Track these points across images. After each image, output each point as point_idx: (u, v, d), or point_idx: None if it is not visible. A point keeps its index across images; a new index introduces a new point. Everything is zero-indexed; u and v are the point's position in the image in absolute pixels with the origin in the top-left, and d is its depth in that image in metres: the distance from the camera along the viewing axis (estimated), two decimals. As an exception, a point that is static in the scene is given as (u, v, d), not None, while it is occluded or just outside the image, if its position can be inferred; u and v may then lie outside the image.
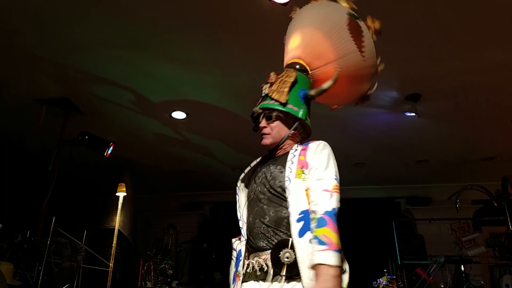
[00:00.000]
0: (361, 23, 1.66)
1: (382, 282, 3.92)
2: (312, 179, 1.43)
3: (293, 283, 1.34)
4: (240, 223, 1.61)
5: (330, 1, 1.68)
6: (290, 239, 1.36)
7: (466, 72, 3.34)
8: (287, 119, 1.60)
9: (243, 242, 1.56)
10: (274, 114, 1.59)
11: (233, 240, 1.66)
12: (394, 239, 4.81)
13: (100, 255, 4.32)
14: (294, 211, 1.39)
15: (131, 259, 5.44)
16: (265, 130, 1.60)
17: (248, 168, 1.72)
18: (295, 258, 1.32)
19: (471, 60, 3.20)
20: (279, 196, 1.49)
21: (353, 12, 1.66)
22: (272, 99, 1.58)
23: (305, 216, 1.37)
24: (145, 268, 4.82)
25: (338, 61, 1.66)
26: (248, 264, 1.49)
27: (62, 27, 2.93)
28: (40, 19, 2.86)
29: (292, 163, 1.50)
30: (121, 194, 4.38)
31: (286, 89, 1.57)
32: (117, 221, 4.27)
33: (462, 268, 4.45)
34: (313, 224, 1.33)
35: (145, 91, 3.77)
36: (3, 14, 2.82)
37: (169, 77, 3.54)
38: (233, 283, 1.53)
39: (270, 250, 1.41)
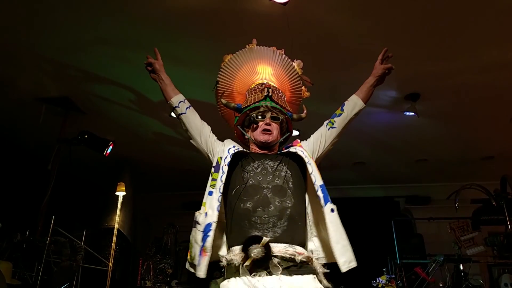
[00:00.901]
0: (302, 88, 1.97)
1: (381, 281, 3.93)
2: (314, 140, 1.78)
3: (272, 277, 1.39)
4: (217, 198, 1.53)
5: (289, 59, 1.94)
6: (269, 236, 1.43)
7: (465, 72, 3.35)
8: (284, 127, 1.80)
9: (214, 216, 1.50)
10: (282, 117, 1.75)
11: (197, 213, 1.59)
12: (393, 238, 4.82)
13: (100, 254, 4.32)
14: (317, 183, 1.58)
15: (131, 258, 5.44)
16: (270, 128, 1.71)
17: (241, 149, 1.71)
18: (265, 254, 1.40)
19: (470, 60, 3.20)
20: (284, 187, 1.57)
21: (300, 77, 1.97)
22: (278, 104, 1.75)
23: (323, 189, 1.58)
24: (144, 267, 4.82)
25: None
26: (227, 258, 1.48)
27: (63, 26, 2.93)
28: (40, 18, 2.86)
29: (300, 150, 1.68)
30: (120, 193, 4.38)
31: (286, 103, 1.82)
32: (117, 220, 4.28)
33: (461, 267, 4.46)
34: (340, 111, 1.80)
35: (145, 90, 3.77)
36: (4, 13, 2.82)
37: (169, 76, 3.54)
38: (199, 256, 1.48)
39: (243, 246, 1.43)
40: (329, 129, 1.77)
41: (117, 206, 4.33)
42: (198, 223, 1.55)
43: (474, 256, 4.72)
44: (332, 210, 1.54)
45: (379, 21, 2.80)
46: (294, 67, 1.93)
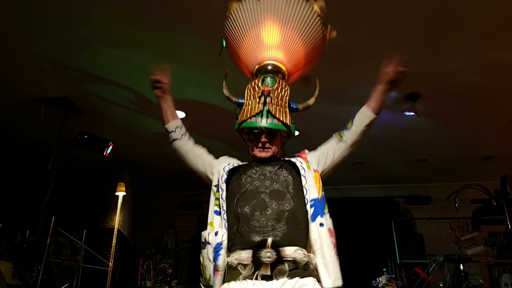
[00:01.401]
0: (324, 32, 1.78)
1: (382, 281, 3.93)
2: (321, 151, 1.73)
3: (283, 280, 1.39)
4: (223, 215, 1.56)
5: (305, 2, 1.74)
6: (270, 238, 1.43)
7: (466, 72, 3.35)
8: (284, 134, 1.73)
9: (224, 234, 1.51)
10: (279, 132, 1.68)
11: (203, 232, 1.60)
12: (393, 238, 4.82)
13: (100, 254, 4.32)
14: (308, 197, 1.56)
15: (131, 258, 5.44)
16: (266, 145, 1.67)
17: (236, 165, 1.70)
18: (277, 257, 1.40)
19: (471, 60, 3.20)
20: (282, 191, 1.56)
21: (322, 21, 1.77)
22: (275, 117, 1.62)
23: (315, 203, 1.55)
24: (144, 267, 4.82)
25: (305, 66, 1.83)
26: (229, 262, 1.47)
27: (62, 26, 2.93)
28: (40, 18, 2.85)
29: (299, 161, 1.66)
30: (120, 194, 4.38)
31: (287, 109, 1.67)
32: (117, 220, 4.27)
33: (461, 267, 4.46)
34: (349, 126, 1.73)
35: (145, 90, 3.77)
36: (3, 13, 2.82)
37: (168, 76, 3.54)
38: (214, 276, 1.48)
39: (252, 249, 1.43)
40: (337, 143, 1.72)
41: (117, 206, 4.32)
42: (209, 243, 1.54)
43: (474, 256, 4.72)
44: (321, 224, 1.52)
45: (379, 21, 2.80)
46: (311, 17, 1.74)
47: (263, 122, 1.61)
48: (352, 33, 2.91)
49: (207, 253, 1.54)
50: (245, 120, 1.65)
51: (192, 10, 2.74)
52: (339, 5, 2.67)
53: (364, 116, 1.72)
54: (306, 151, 1.77)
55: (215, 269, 1.48)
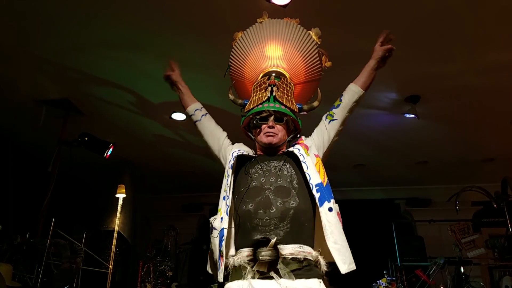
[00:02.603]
0: (322, 59, 1.92)
1: (382, 284, 3.93)
2: (317, 135, 1.75)
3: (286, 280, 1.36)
4: (227, 201, 1.56)
5: (303, 28, 1.88)
6: (274, 237, 1.41)
7: (466, 73, 3.35)
8: (290, 126, 1.76)
9: (226, 219, 1.50)
10: (286, 118, 1.71)
11: (212, 219, 1.60)
12: (394, 241, 4.81)
13: (100, 256, 4.31)
14: (313, 182, 1.55)
15: (131, 260, 5.43)
16: (274, 130, 1.68)
17: (246, 153, 1.71)
18: (277, 255, 1.38)
19: (471, 61, 3.20)
20: (287, 187, 1.54)
21: (318, 47, 1.92)
22: (283, 104, 1.71)
23: (320, 188, 1.54)
24: (144, 269, 4.81)
25: (304, 84, 1.92)
26: (233, 261, 1.46)
27: (63, 27, 2.94)
28: (40, 19, 2.86)
29: (296, 148, 1.66)
30: (120, 196, 4.37)
31: (293, 100, 1.77)
32: (117, 222, 4.27)
33: (462, 270, 4.45)
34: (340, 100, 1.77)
35: (145, 92, 3.78)
36: (4, 14, 2.83)
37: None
38: (219, 260, 1.48)
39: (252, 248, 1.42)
40: (329, 122, 1.75)
41: (117, 208, 4.31)
42: (215, 229, 1.54)
43: (475, 258, 4.72)
44: (330, 209, 1.49)
45: (379, 23, 2.80)
46: (308, 40, 1.85)
47: (271, 106, 1.69)
48: (351, 35, 2.92)
49: (212, 238, 1.54)
50: (252, 109, 1.72)
51: (193, 12, 2.75)
52: (338, 7, 2.68)
53: (353, 92, 1.77)
54: (303, 137, 1.79)
55: (220, 254, 1.46)
